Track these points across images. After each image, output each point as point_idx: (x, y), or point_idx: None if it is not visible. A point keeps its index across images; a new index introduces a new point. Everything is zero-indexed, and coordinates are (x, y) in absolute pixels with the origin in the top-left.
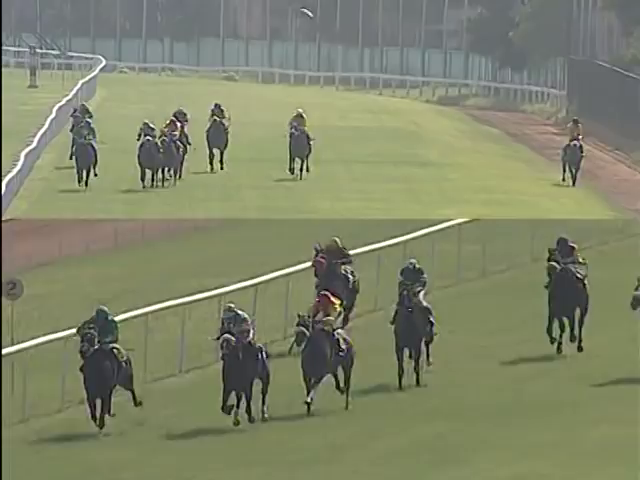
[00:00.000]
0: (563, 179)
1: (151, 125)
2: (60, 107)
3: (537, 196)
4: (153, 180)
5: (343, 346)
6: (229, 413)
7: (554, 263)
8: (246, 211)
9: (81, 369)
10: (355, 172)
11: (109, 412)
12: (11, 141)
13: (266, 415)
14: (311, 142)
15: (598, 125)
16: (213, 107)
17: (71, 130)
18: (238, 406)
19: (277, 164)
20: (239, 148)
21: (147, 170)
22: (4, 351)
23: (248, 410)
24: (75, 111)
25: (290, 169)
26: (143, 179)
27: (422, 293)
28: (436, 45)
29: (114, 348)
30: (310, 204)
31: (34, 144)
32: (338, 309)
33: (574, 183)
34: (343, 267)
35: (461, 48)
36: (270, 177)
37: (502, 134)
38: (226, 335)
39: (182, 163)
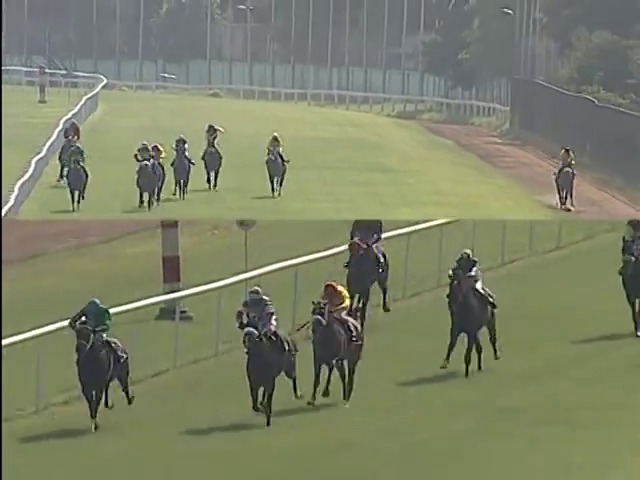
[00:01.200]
0: (559, 203)
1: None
2: (66, 120)
3: (485, 198)
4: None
5: (355, 334)
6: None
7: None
8: (231, 211)
9: (77, 362)
10: (325, 177)
11: (106, 404)
12: (23, 150)
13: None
14: (286, 163)
15: (537, 136)
16: (207, 129)
17: (60, 156)
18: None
19: (256, 169)
20: (227, 151)
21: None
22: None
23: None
24: (67, 131)
25: (271, 189)
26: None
27: (479, 283)
28: (395, 66)
29: (110, 341)
30: (284, 205)
31: (43, 152)
32: (346, 299)
33: (566, 204)
34: (375, 247)
35: (417, 69)
36: (250, 181)
37: (453, 144)
38: (248, 329)
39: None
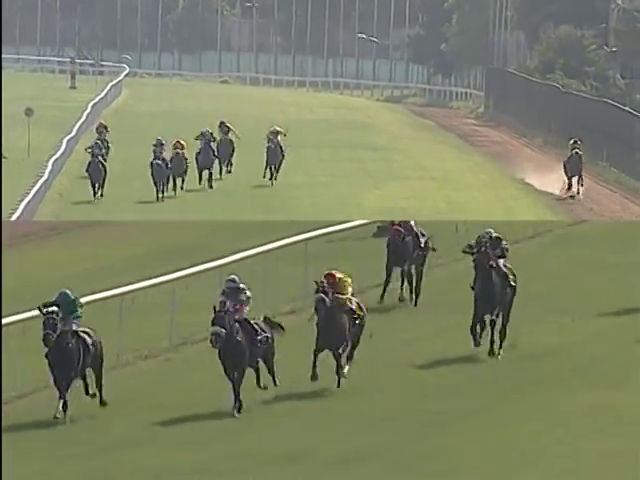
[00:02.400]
0: (569, 187)
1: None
2: (94, 104)
3: (461, 172)
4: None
5: (359, 313)
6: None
7: None
8: (238, 185)
9: (46, 355)
10: (321, 154)
11: (87, 392)
12: (56, 130)
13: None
14: (284, 153)
15: (508, 118)
16: (219, 124)
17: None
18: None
19: (260, 148)
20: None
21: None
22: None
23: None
24: (98, 128)
25: (264, 175)
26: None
27: (502, 261)
28: (384, 56)
29: (81, 330)
30: (286, 179)
31: (73, 132)
32: (349, 284)
33: (578, 192)
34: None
35: (403, 58)
36: (256, 159)
37: (435, 125)
38: (215, 329)
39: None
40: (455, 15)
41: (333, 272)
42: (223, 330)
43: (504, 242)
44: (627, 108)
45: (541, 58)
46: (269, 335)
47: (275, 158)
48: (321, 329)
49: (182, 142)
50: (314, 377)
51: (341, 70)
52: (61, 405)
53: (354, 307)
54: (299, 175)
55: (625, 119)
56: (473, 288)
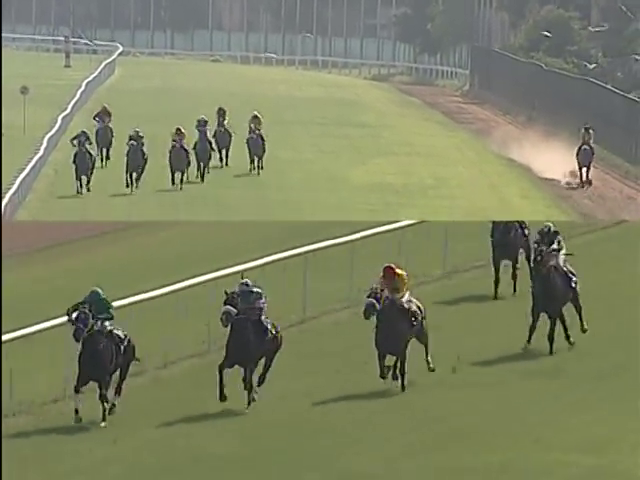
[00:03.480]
0: (581, 177)
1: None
2: (88, 82)
3: (447, 148)
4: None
5: (416, 316)
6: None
7: None
8: (231, 159)
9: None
10: (310, 130)
11: (106, 401)
12: (51, 107)
13: (255, 396)
14: (265, 143)
15: (493, 96)
16: (217, 110)
17: (96, 140)
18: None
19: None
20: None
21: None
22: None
23: (247, 385)
24: (98, 114)
25: (250, 169)
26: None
27: (562, 256)
28: (371, 35)
29: (113, 330)
30: (274, 153)
31: (68, 110)
32: (405, 280)
33: (589, 182)
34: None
35: (390, 37)
36: (243, 137)
37: (421, 103)
38: (226, 307)
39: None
40: None
41: (392, 266)
42: (234, 310)
43: (559, 236)
44: (608, 86)
45: (526, 37)
46: (276, 334)
47: (258, 150)
48: (379, 333)
49: (182, 130)
50: (383, 375)
51: (329, 49)
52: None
53: (413, 308)
54: (288, 151)
55: (606, 97)
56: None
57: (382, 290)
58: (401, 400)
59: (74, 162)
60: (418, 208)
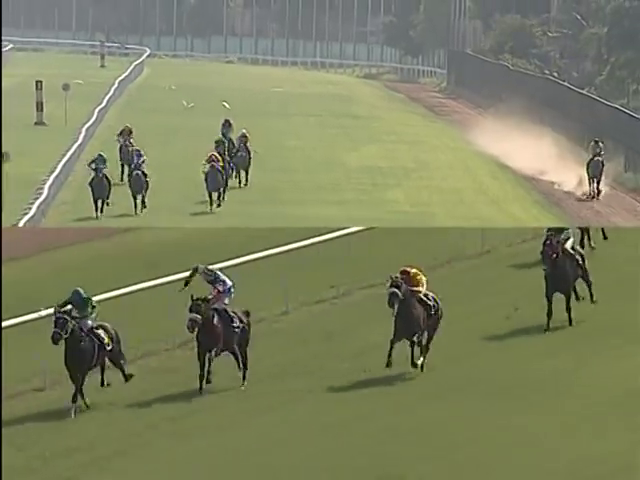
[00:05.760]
0: (590, 192)
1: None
2: (120, 80)
3: (427, 136)
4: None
5: (433, 308)
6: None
7: None
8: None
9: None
10: (310, 122)
11: (81, 396)
12: (88, 102)
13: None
14: (251, 156)
15: (467, 92)
16: (223, 122)
17: (120, 157)
18: (209, 372)
19: (260, 117)
20: (238, 104)
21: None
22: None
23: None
24: (122, 132)
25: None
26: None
27: (570, 241)
28: (362, 40)
29: (94, 327)
30: (280, 140)
31: (103, 104)
32: (423, 279)
33: (598, 194)
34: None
35: (379, 42)
36: (256, 124)
37: (405, 98)
38: (192, 315)
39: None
40: (422, 5)
41: (407, 268)
42: (199, 316)
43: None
44: (565, 83)
45: (494, 41)
46: (245, 324)
47: (244, 164)
48: (397, 319)
49: (217, 156)
50: (389, 364)
51: (327, 52)
52: (77, 398)
53: (430, 301)
54: (292, 139)
55: (564, 92)
56: (545, 270)
57: (402, 281)
58: None
59: (90, 185)
60: (402, 187)
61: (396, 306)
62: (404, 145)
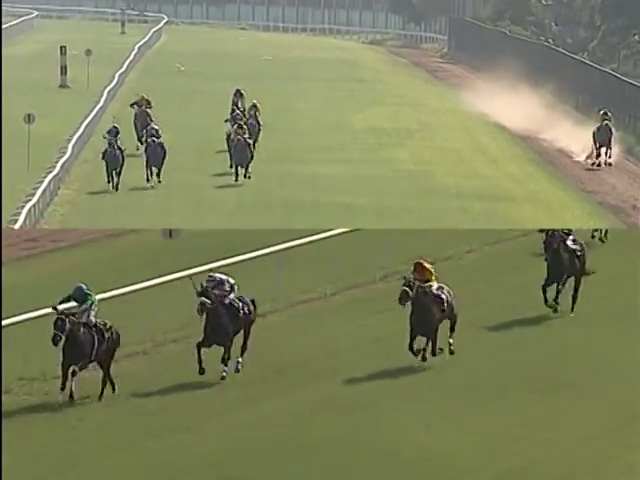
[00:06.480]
0: (598, 156)
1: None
2: (140, 46)
3: (429, 99)
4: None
5: (445, 302)
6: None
7: None
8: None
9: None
10: (319, 86)
11: (112, 382)
12: (110, 66)
13: (239, 368)
14: (261, 127)
15: (466, 57)
16: (235, 92)
17: (135, 125)
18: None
19: (270, 81)
20: (248, 66)
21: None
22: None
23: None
24: (138, 102)
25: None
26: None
27: (570, 238)
28: (368, 8)
29: (97, 323)
30: (291, 103)
31: (123, 68)
32: (433, 272)
33: (606, 162)
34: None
35: (383, 9)
36: (265, 91)
37: (408, 63)
38: (201, 298)
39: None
40: None
41: (421, 262)
42: (209, 300)
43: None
44: (559, 49)
45: (492, 9)
46: (251, 310)
47: (253, 132)
48: (411, 317)
49: (244, 126)
50: (415, 353)
51: (334, 19)
52: (61, 391)
53: (443, 296)
54: (301, 102)
55: (558, 57)
56: (546, 259)
57: (414, 280)
58: None
59: (104, 159)
60: (405, 147)
61: (409, 303)
62: (407, 107)
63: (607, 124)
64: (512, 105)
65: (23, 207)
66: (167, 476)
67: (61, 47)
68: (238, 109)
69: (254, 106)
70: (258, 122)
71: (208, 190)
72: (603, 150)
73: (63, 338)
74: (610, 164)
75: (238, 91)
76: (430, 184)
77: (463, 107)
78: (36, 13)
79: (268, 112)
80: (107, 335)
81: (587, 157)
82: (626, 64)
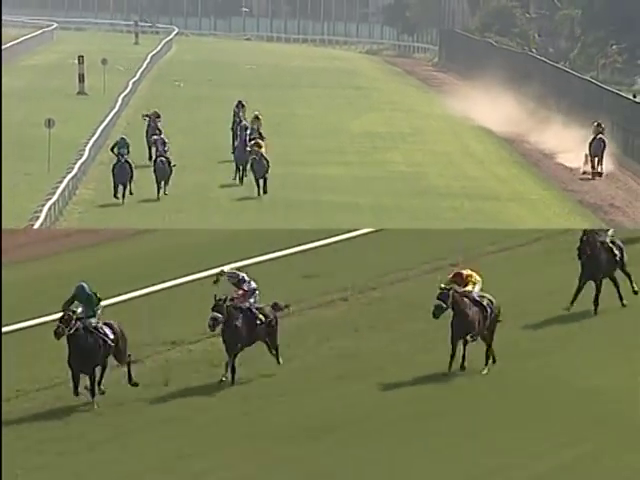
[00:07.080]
0: (593, 167)
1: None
2: (152, 55)
3: (421, 105)
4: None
5: (488, 309)
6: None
7: None
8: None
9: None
10: (318, 93)
11: (99, 386)
12: (125, 75)
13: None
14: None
15: (455, 65)
16: (236, 104)
17: (147, 137)
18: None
19: (274, 89)
20: (255, 77)
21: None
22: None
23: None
24: (149, 116)
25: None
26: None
27: (610, 232)
28: (364, 20)
29: (99, 324)
30: (292, 109)
31: (137, 77)
32: (476, 279)
33: (600, 173)
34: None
35: (379, 22)
36: (268, 98)
37: (402, 71)
38: (213, 314)
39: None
40: None
41: (460, 272)
42: (220, 315)
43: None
44: (542, 58)
45: (480, 21)
46: (271, 318)
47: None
48: (451, 323)
49: (260, 143)
50: (451, 365)
51: (333, 30)
52: (75, 395)
53: (485, 302)
54: (302, 108)
55: (541, 66)
56: (580, 257)
57: (450, 288)
58: None
59: (112, 172)
60: (399, 150)
61: (450, 311)
62: (401, 113)
63: (601, 137)
64: (498, 110)
65: (44, 205)
66: None
67: (79, 57)
68: (239, 119)
69: (257, 118)
70: (260, 134)
71: (214, 190)
72: (596, 160)
73: (66, 333)
74: (600, 174)
75: (240, 102)
76: (422, 185)
77: (453, 113)
78: (55, 25)
79: (271, 117)
80: (112, 339)
81: (583, 170)
82: (604, 72)
